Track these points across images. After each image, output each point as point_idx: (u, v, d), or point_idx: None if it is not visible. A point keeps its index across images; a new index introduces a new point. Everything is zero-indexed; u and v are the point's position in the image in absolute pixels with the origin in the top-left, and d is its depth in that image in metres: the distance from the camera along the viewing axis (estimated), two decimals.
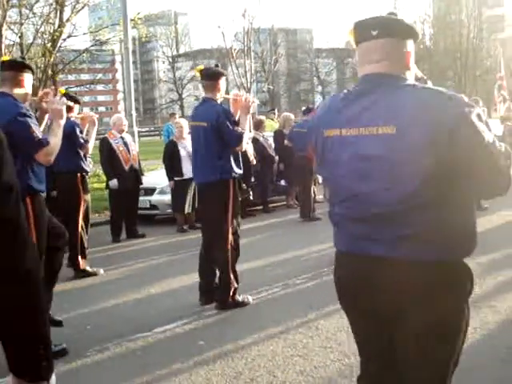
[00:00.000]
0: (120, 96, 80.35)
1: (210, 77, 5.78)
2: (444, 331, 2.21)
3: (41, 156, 4.42)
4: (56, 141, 4.54)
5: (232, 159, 5.71)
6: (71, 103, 6.73)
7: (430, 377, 2.25)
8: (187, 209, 10.09)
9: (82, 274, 7.18)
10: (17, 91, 4.51)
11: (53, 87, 7.32)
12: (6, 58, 4.81)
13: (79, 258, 7.22)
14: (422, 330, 2.19)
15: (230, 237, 5.71)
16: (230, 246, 5.71)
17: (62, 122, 4.68)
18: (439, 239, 2.14)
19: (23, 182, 4.39)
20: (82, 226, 7.29)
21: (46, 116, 4.82)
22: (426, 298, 2.17)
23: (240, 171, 5.81)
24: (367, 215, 2.23)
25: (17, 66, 4.62)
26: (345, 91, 2.39)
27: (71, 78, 31.65)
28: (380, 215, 2.19)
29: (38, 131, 4.43)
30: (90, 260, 7.50)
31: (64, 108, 4.71)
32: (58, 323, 5.14)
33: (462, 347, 2.29)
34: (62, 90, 6.57)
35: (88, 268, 7.31)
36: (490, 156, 2.08)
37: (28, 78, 4.63)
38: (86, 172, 7.50)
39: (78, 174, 7.28)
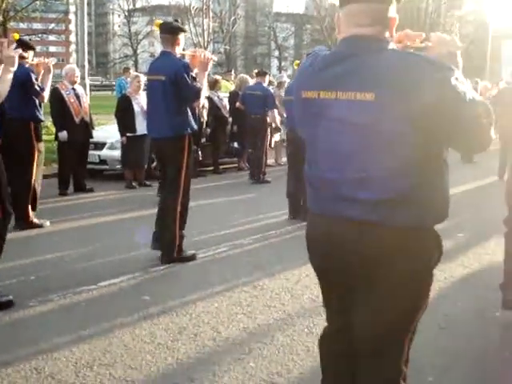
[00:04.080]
0: (72, 48, 78.28)
1: (170, 31, 5.71)
2: (408, 296, 2.23)
3: None
4: (3, 86, 4.43)
5: (189, 114, 5.68)
6: (25, 54, 6.53)
7: (388, 338, 2.27)
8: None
9: (28, 225, 7.05)
10: None
11: (11, 35, 7.04)
12: None
13: (29, 209, 7.09)
14: (385, 294, 2.21)
15: (180, 193, 5.70)
16: (179, 202, 5.70)
17: (13, 69, 4.58)
18: (415, 205, 2.14)
19: None
20: (35, 177, 7.14)
21: (2, 66, 4.66)
22: (395, 263, 2.17)
23: (195, 127, 5.79)
24: (343, 178, 2.21)
25: None
26: (327, 52, 2.34)
27: (23, 26, 30.64)
28: (356, 179, 2.17)
29: None
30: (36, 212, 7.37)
31: (16, 56, 4.59)
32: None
33: (421, 315, 2.33)
34: (16, 35, 6.37)
35: (35, 220, 7.18)
36: (474, 115, 2.07)
37: None
38: (41, 121, 7.33)
39: (32, 123, 7.10)
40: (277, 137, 11.76)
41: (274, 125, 11.18)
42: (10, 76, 4.54)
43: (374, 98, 2.09)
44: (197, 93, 5.60)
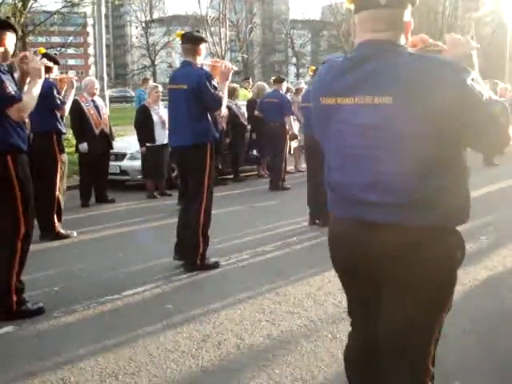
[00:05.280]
0: (91, 60, 79.00)
1: (192, 41, 5.76)
2: (431, 294, 2.23)
3: (13, 111, 4.38)
4: (30, 98, 4.51)
5: (210, 123, 5.71)
6: (51, 64, 6.62)
7: (415, 340, 2.27)
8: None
9: (55, 236, 7.14)
10: None
11: (33, 49, 7.16)
12: None
13: (55, 219, 7.17)
14: (408, 291, 2.22)
15: (204, 200, 5.73)
16: (203, 210, 5.73)
17: (40, 81, 4.65)
18: (437, 207, 2.15)
19: (2, 137, 4.35)
20: (59, 188, 7.24)
21: (28, 78, 4.74)
22: (418, 262, 2.18)
23: (217, 135, 5.83)
24: (365, 182, 2.22)
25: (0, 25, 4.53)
26: (342, 57, 2.35)
27: (41, 40, 31.04)
28: (377, 182, 2.18)
29: (12, 87, 4.37)
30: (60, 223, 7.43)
31: (42, 68, 4.66)
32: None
33: (445, 315, 2.32)
34: (42, 49, 6.47)
35: (62, 231, 7.27)
36: (492, 115, 2.07)
37: (10, 38, 4.52)
38: (62, 133, 7.42)
39: (54, 135, 7.19)
40: (294, 143, 11.75)
41: (290, 132, 11.17)
42: (38, 87, 4.60)
43: (392, 100, 2.11)
44: (219, 101, 5.63)
